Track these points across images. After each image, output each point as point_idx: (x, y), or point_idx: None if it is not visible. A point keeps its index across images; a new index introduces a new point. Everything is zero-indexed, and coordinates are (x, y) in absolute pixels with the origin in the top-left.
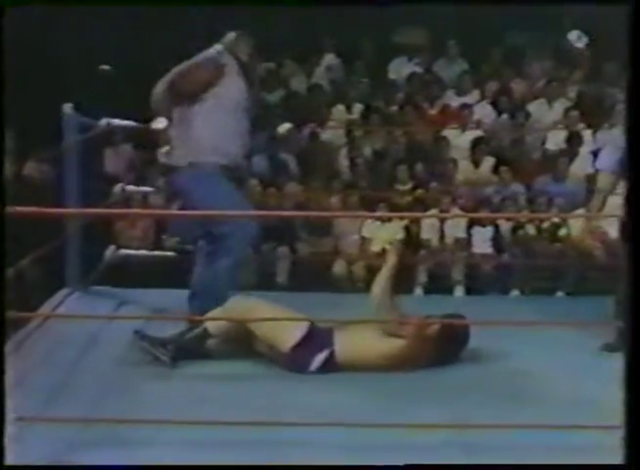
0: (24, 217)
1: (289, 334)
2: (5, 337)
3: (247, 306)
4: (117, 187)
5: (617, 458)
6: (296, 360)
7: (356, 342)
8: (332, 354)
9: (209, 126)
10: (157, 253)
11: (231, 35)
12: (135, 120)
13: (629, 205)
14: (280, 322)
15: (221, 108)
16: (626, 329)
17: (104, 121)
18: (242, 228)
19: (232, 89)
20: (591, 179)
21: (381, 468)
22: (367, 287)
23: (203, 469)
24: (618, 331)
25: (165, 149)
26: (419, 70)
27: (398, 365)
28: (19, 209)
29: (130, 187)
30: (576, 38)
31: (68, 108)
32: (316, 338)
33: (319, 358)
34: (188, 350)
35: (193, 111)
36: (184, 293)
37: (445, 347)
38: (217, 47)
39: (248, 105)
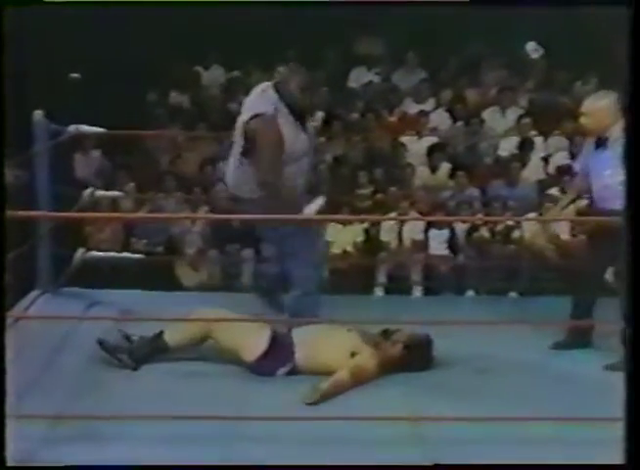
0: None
1: (252, 345)
2: (5, 337)
3: (211, 315)
4: (87, 191)
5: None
6: (260, 370)
7: (318, 358)
8: (293, 368)
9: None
10: (125, 255)
11: (281, 70)
12: (103, 127)
13: (629, 204)
14: (244, 332)
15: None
16: (626, 329)
17: (72, 128)
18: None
19: (288, 143)
20: (544, 183)
21: (384, 468)
22: (329, 288)
23: (198, 469)
24: (570, 329)
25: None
26: (376, 79)
27: (360, 382)
28: (20, 212)
29: (99, 191)
30: (533, 49)
31: (38, 115)
32: (278, 349)
33: (282, 371)
34: (148, 357)
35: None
36: (152, 293)
37: (407, 367)
38: (266, 87)
39: (305, 148)
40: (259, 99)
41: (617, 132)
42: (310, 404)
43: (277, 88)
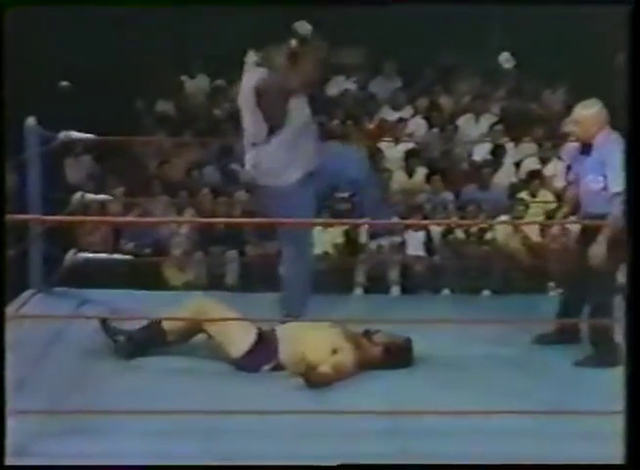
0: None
1: (239, 342)
2: (4, 336)
3: (202, 307)
4: (77, 195)
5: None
6: (245, 366)
7: (303, 358)
8: (277, 365)
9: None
10: (115, 256)
11: (267, 49)
12: (93, 133)
13: (629, 205)
14: (232, 328)
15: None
16: (626, 328)
17: (63, 134)
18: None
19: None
20: (515, 187)
21: (387, 467)
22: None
23: (200, 469)
24: (556, 326)
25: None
26: (353, 87)
27: (341, 377)
28: (16, 216)
29: (90, 195)
30: (505, 60)
31: (30, 121)
32: (264, 346)
33: (266, 368)
34: (144, 344)
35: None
36: (140, 293)
37: (386, 367)
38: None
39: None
40: (254, 72)
41: (601, 139)
42: (297, 376)
43: (260, 64)
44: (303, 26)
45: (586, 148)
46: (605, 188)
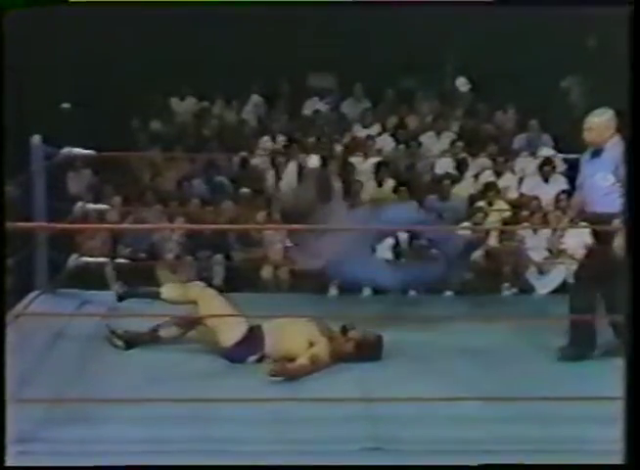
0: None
1: (231, 332)
2: (5, 335)
3: (203, 291)
4: (78, 205)
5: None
6: (233, 356)
7: (282, 346)
8: (262, 356)
9: None
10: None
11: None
12: (93, 149)
13: (630, 206)
14: (225, 319)
15: None
16: (627, 325)
17: (66, 150)
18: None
19: None
20: (473, 197)
21: (388, 468)
22: (290, 288)
23: (199, 469)
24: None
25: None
26: (325, 108)
27: (317, 368)
28: (21, 224)
29: (89, 205)
30: (462, 84)
31: (36, 139)
32: (252, 339)
33: (252, 359)
34: (139, 339)
35: None
36: None
37: (358, 360)
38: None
39: None
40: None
41: (613, 143)
42: (273, 376)
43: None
44: (313, 159)
45: (597, 152)
46: (614, 186)
